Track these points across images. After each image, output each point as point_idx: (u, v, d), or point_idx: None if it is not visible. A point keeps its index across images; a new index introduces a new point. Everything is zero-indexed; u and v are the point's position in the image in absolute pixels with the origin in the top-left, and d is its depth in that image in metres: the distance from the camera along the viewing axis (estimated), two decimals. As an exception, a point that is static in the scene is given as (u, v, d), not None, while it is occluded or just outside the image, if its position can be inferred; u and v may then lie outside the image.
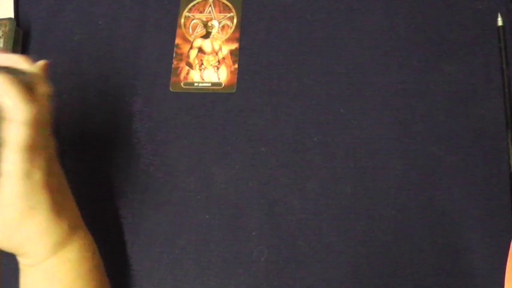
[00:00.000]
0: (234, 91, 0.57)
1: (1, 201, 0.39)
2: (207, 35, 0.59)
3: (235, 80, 0.57)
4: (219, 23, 0.59)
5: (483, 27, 0.55)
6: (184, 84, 0.58)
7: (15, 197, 0.39)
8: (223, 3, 0.60)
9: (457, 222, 0.50)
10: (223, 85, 0.57)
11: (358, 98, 0.54)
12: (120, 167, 0.56)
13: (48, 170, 0.42)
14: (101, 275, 0.48)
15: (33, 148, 0.40)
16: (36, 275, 0.44)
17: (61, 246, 0.43)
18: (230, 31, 0.59)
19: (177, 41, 0.59)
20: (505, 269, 0.47)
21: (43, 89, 0.44)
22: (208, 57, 0.58)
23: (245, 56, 0.58)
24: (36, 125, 0.40)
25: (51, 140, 0.45)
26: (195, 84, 0.57)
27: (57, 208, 0.43)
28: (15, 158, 0.39)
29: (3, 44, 0.58)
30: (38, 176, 0.41)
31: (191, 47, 0.59)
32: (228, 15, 0.60)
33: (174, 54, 0.59)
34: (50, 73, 0.60)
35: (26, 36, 0.61)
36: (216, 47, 0.59)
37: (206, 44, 0.59)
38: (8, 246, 0.42)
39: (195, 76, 0.58)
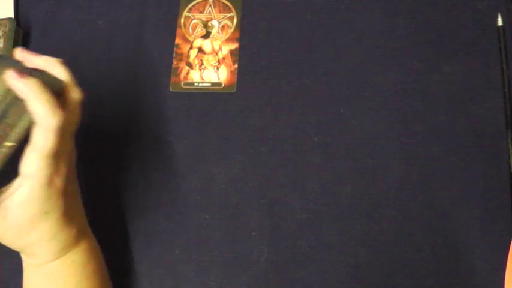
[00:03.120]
0: (234, 91, 0.57)
1: (17, 202, 0.39)
2: (207, 35, 0.59)
3: (235, 80, 0.57)
4: (219, 23, 0.59)
5: (483, 27, 0.55)
6: (184, 84, 0.58)
7: (32, 200, 0.40)
8: (223, 3, 0.60)
9: (457, 222, 0.50)
10: (223, 85, 0.57)
11: (358, 98, 0.54)
12: (119, 167, 0.56)
13: (67, 177, 0.42)
14: (104, 276, 0.48)
15: (57, 155, 0.40)
16: (41, 276, 0.44)
17: (68, 249, 0.44)
18: (230, 31, 0.59)
19: (177, 41, 0.59)
20: (505, 269, 0.47)
21: (74, 95, 0.44)
22: (208, 57, 0.58)
23: (245, 56, 0.58)
24: (64, 133, 0.40)
25: (74, 147, 0.45)
26: (195, 84, 0.57)
27: (69, 214, 0.43)
28: (39, 164, 0.39)
29: (3, 44, 0.58)
30: (58, 183, 0.41)
31: (191, 47, 0.59)
32: (228, 15, 0.60)
33: (174, 54, 0.59)
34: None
35: (26, 36, 0.61)
36: (216, 47, 0.59)
37: (206, 44, 0.59)
38: (16, 246, 0.43)
39: (195, 76, 0.58)
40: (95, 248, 0.48)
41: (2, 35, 0.58)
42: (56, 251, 0.43)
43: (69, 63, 0.60)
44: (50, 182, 0.40)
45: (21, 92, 0.39)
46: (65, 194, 0.42)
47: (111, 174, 0.55)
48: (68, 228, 0.43)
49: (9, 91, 0.39)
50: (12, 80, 0.38)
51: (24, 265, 0.45)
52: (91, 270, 0.46)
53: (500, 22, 0.54)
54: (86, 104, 0.58)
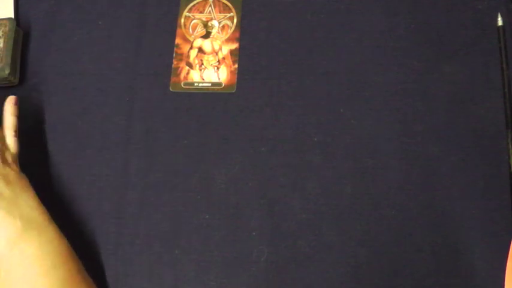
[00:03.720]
0: (234, 91, 0.57)
1: None
2: (207, 35, 0.59)
3: (235, 80, 0.57)
4: (219, 23, 0.59)
5: (483, 27, 0.55)
6: (184, 84, 0.58)
7: None
8: (223, 3, 0.60)
9: (457, 222, 0.50)
10: (223, 85, 0.57)
11: (358, 98, 0.54)
12: (119, 167, 0.56)
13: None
14: (71, 271, 0.47)
15: None
16: (2, 274, 0.44)
17: (16, 242, 0.44)
18: (230, 31, 0.59)
19: (177, 41, 0.59)
20: (505, 269, 0.47)
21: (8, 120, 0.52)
22: (208, 57, 0.58)
23: (245, 56, 0.58)
24: None
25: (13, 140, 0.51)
26: (195, 84, 0.57)
27: (6, 205, 0.45)
28: None
29: (3, 44, 0.58)
30: None
31: (191, 47, 0.59)
32: (228, 15, 0.60)
33: (174, 54, 0.59)
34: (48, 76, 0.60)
35: (26, 36, 0.61)
36: (216, 47, 0.59)
37: (206, 44, 0.59)
38: None
39: (195, 76, 0.58)
40: (55, 242, 0.47)
41: (2, 35, 0.58)
42: (3, 245, 0.44)
43: (69, 63, 0.60)
44: None
45: None
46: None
47: (111, 173, 0.55)
48: (8, 219, 0.45)
49: None
50: None
51: None
52: (50, 264, 0.46)
53: (500, 22, 0.54)
54: (86, 104, 0.59)
